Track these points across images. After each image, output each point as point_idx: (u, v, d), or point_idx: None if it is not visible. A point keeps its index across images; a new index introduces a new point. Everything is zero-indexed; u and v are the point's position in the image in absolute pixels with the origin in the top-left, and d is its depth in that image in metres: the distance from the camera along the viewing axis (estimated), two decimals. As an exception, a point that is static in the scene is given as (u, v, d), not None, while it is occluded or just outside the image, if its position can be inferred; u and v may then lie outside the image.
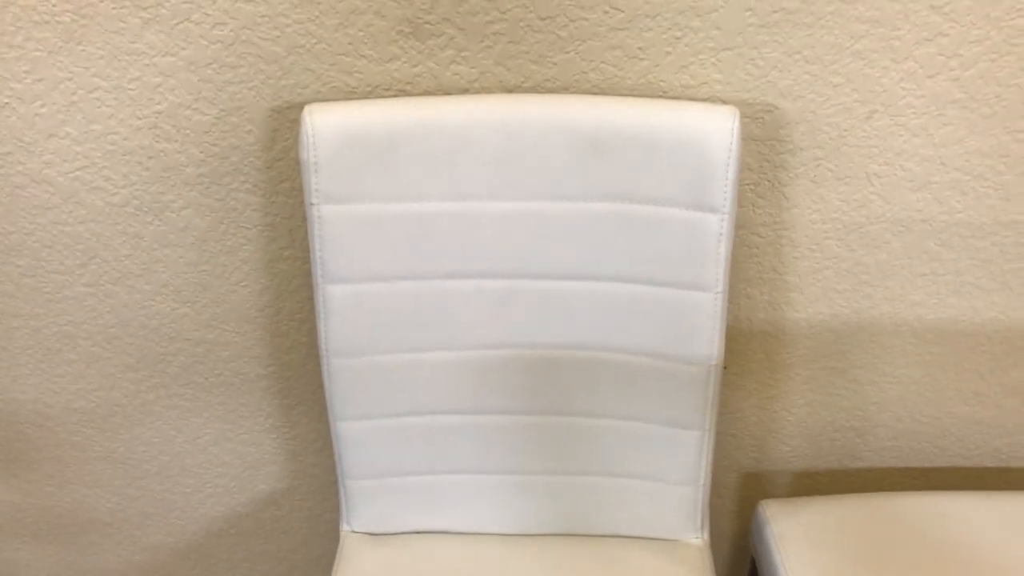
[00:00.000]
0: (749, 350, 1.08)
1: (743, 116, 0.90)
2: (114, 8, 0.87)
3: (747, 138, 0.93)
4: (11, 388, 1.13)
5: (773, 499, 1.09)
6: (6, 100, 0.92)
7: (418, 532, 1.06)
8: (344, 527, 1.07)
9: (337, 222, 0.87)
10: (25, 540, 1.30)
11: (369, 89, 0.91)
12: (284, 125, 0.93)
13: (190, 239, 1.01)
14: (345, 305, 0.91)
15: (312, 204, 0.86)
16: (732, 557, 1.28)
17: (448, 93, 0.91)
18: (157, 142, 0.94)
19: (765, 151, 0.94)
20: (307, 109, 0.84)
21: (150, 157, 0.95)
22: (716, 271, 0.88)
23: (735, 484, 1.20)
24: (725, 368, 1.10)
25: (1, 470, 1.22)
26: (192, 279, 1.04)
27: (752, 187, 0.96)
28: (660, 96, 0.90)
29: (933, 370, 1.08)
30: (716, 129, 0.83)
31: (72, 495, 1.24)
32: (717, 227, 0.86)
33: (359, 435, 0.98)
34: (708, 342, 0.91)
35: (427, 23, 0.87)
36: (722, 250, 0.87)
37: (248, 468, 1.21)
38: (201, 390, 1.14)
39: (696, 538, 1.05)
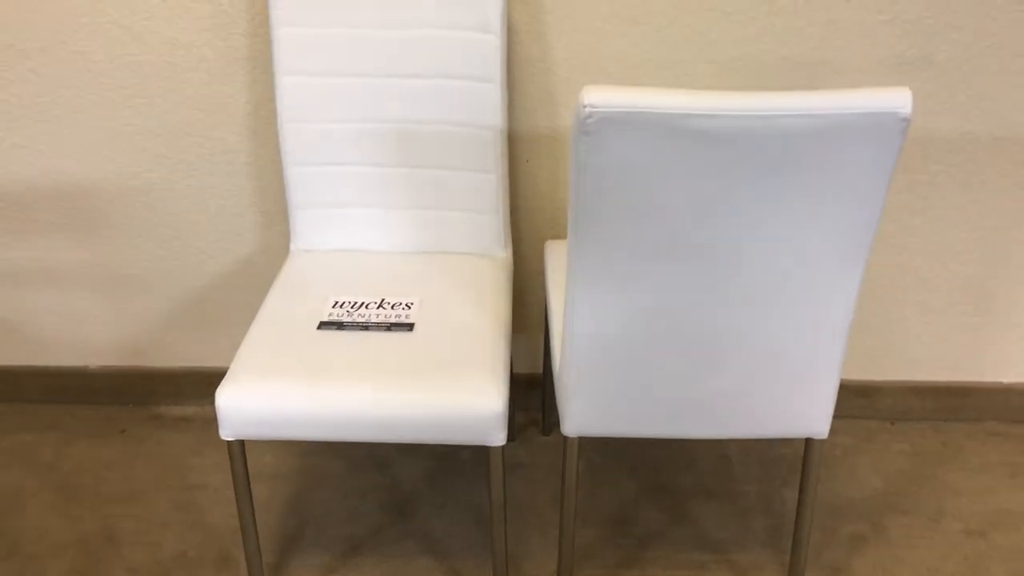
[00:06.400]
0: (540, 150, 1.79)
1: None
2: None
3: None
4: (91, 168, 1.84)
5: (554, 239, 1.80)
6: (107, -24, 1.65)
7: (336, 250, 1.77)
8: (292, 247, 1.77)
9: (288, 38, 1.59)
10: (87, 291, 1.99)
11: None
12: (261, -6, 1.67)
13: (203, 70, 1.73)
14: (292, 89, 1.63)
15: (272, 27, 1.59)
16: (537, 272, 1.97)
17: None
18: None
19: (533, 10, 1.66)
20: (272, -26, 1.57)
21: (187, 11, 1.68)
22: (495, 67, 1.60)
23: (540, 242, 1.90)
24: (527, 161, 1.81)
25: (82, 235, 1.92)
26: (206, 94, 1.76)
27: (527, 27, 1.69)
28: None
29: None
30: (490, -14, 1.56)
31: (122, 255, 1.94)
32: (494, 42, 1.58)
33: (300, 176, 1.69)
34: (492, 115, 1.63)
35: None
36: (498, 56, 1.59)
37: (236, 234, 1.91)
38: (208, 175, 1.85)
39: (502, 253, 1.75)
